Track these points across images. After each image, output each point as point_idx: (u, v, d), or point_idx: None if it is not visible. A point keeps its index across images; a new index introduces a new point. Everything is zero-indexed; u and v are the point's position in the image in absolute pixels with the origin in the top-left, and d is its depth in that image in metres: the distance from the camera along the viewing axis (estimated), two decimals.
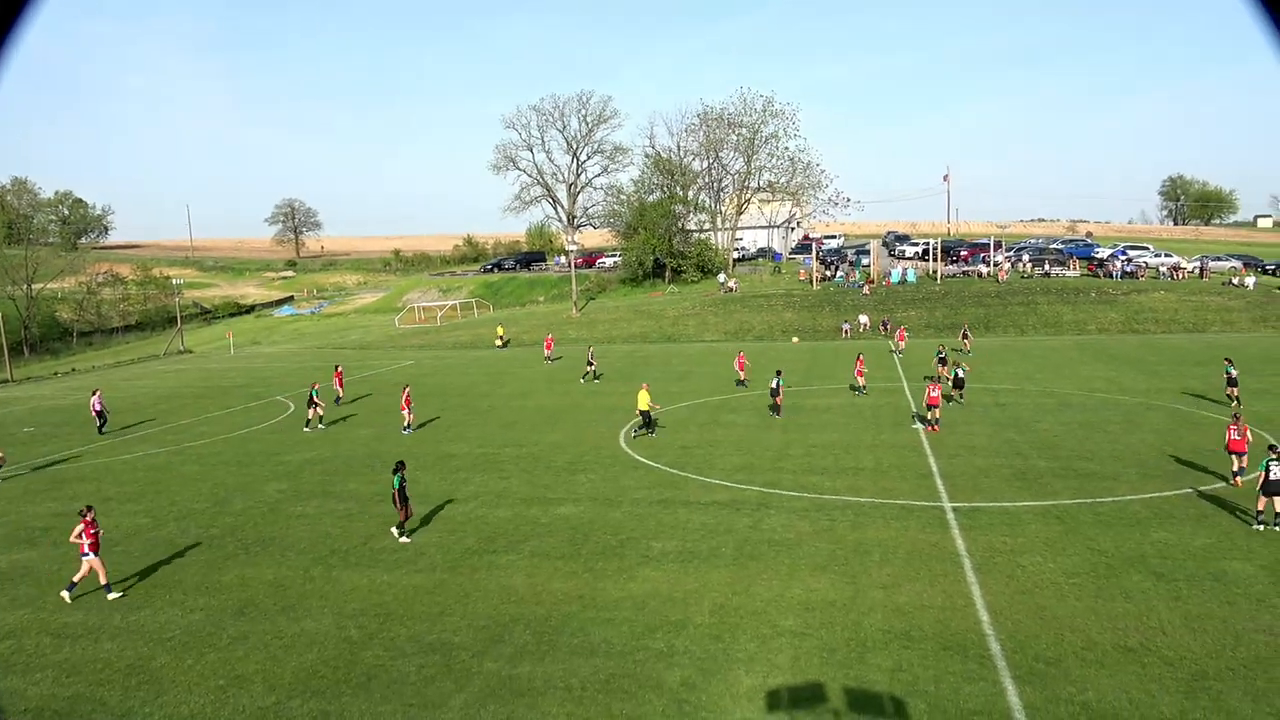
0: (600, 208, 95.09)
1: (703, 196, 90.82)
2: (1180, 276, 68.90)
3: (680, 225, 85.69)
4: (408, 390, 32.56)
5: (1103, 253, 78.87)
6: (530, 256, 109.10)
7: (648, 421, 29.06)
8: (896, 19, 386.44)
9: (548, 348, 52.86)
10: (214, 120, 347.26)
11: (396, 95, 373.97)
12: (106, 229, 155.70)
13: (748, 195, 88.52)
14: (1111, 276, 69.58)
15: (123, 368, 63.87)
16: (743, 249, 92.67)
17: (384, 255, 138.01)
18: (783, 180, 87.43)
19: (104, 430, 34.27)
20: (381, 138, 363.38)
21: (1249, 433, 20.69)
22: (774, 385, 31.43)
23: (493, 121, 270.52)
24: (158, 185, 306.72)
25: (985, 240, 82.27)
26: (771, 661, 12.52)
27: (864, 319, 59.92)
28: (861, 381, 35.32)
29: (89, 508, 16.86)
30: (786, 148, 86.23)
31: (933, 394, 27.99)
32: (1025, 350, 48.14)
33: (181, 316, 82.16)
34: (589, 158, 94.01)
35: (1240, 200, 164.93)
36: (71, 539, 16.31)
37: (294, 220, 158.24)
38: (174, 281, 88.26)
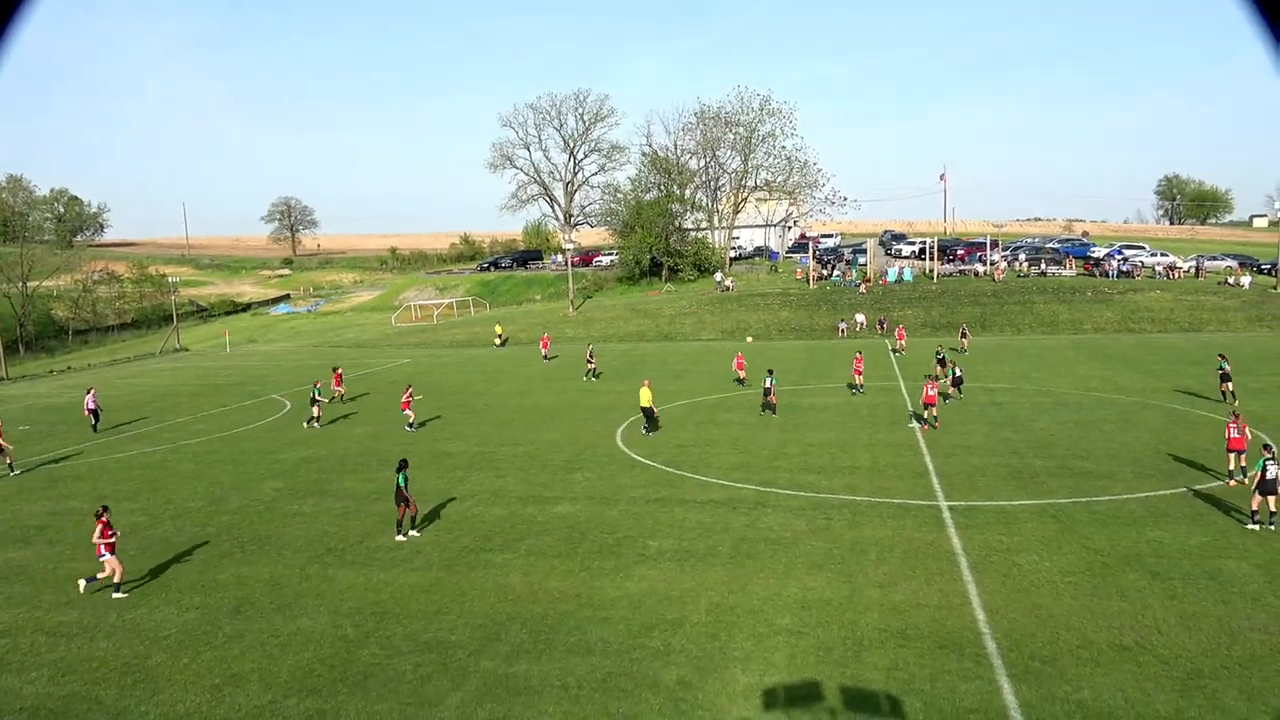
0: (597, 206, 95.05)
1: (699, 195, 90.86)
2: (1176, 276, 69.03)
3: (677, 224, 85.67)
4: (410, 389, 32.61)
5: (1099, 252, 78.99)
6: (527, 255, 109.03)
7: (650, 418, 29.04)
8: (893, 18, 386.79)
9: (544, 346, 52.86)
10: (210, 118, 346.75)
11: (393, 93, 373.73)
12: (102, 227, 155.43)
13: (744, 194, 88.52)
14: (1107, 276, 69.68)
15: (118, 366, 63.74)
16: (739, 248, 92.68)
17: (380, 253, 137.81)
18: (779, 179, 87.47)
19: (98, 428, 34.23)
20: (378, 136, 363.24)
21: (1247, 430, 20.74)
22: (766, 385, 31.56)
23: (489, 119, 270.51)
24: (153, 183, 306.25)
25: (982, 239, 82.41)
26: (768, 660, 12.52)
27: (860, 318, 59.96)
28: (859, 380, 35.35)
29: (105, 508, 16.85)
30: (783, 146, 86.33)
31: (930, 392, 28.04)
32: (1021, 349, 48.22)
33: (177, 314, 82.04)
34: (586, 156, 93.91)
35: (1236, 200, 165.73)
36: (94, 540, 16.23)
37: (290, 218, 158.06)
38: (170, 279, 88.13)
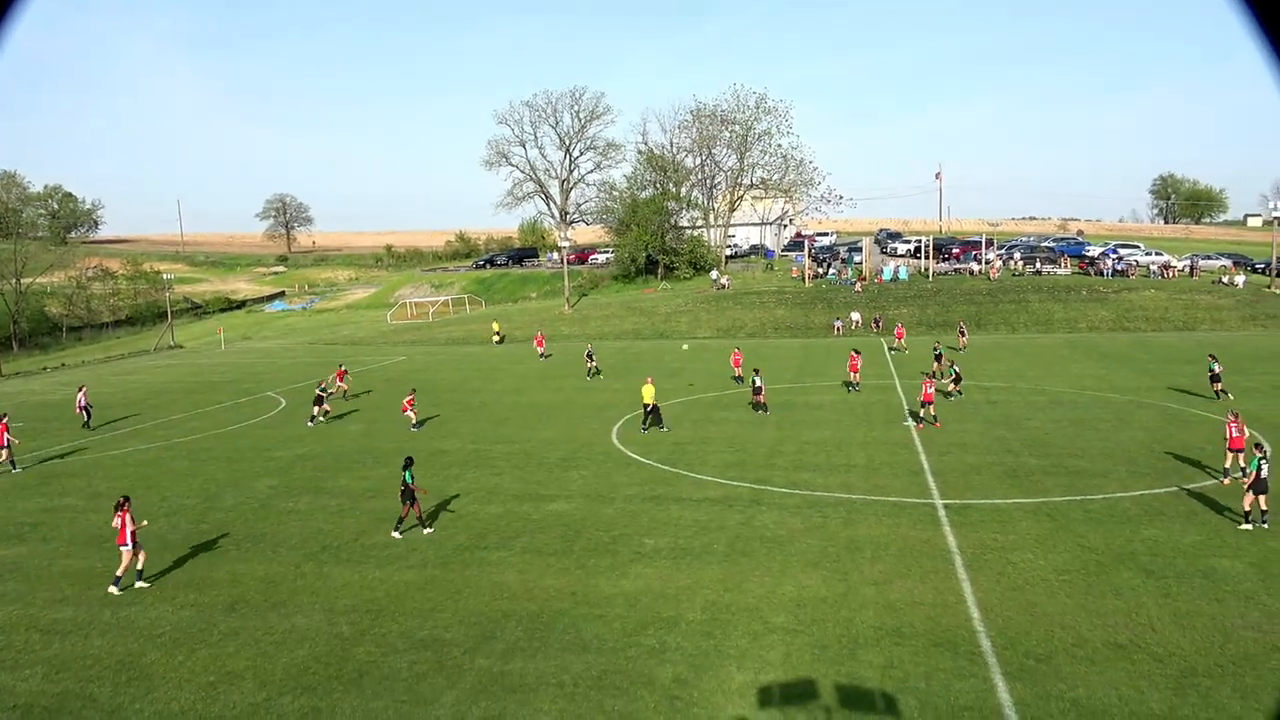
0: (593, 204, 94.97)
1: (695, 193, 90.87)
2: (1171, 275, 69.22)
3: (673, 222, 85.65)
4: (413, 394, 32.52)
5: (1094, 251, 79.19)
6: (523, 253, 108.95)
7: (651, 414, 29.04)
8: (889, 16, 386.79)
9: (539, 344, 52.81)
10: (205, 114, 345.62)
11: (389, 90, 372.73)
12: (96, 223, 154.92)
13: (740, 192, 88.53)
14: (1102, 275, 69.86)
15: (113, 363, 63.59)
16: (735, 246, 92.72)
17: (376, 251, 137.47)
18: (775, 177, 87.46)
19: (90, 425, 34.19)
20: (374, 133, 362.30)
21: (1245, 429, 20.79)
22: (756, 384, 31.70)
23: (485, 117, 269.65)
24: (148, 180, 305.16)
25: (977, 238, 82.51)
26: (763, 658, 12.54)
27: (856, 316, 60.02)
28: (855, 378, 35.38)
29: (126, 499, 16.83)
30: (779, 145, 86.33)
31: (928, 391, 28.10)
32: (1016, 348, 48.31)
33: (172, 312, 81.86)
34: (582, 154, 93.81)
35: (1230, 199, 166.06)
36: (117, 525, 16.30)
37: (285, 215, 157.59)
38: (164, 276, 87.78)
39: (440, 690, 12.01)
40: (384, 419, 33.86)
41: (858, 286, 69.16)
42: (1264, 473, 16.84)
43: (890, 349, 48.68)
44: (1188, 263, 71.93)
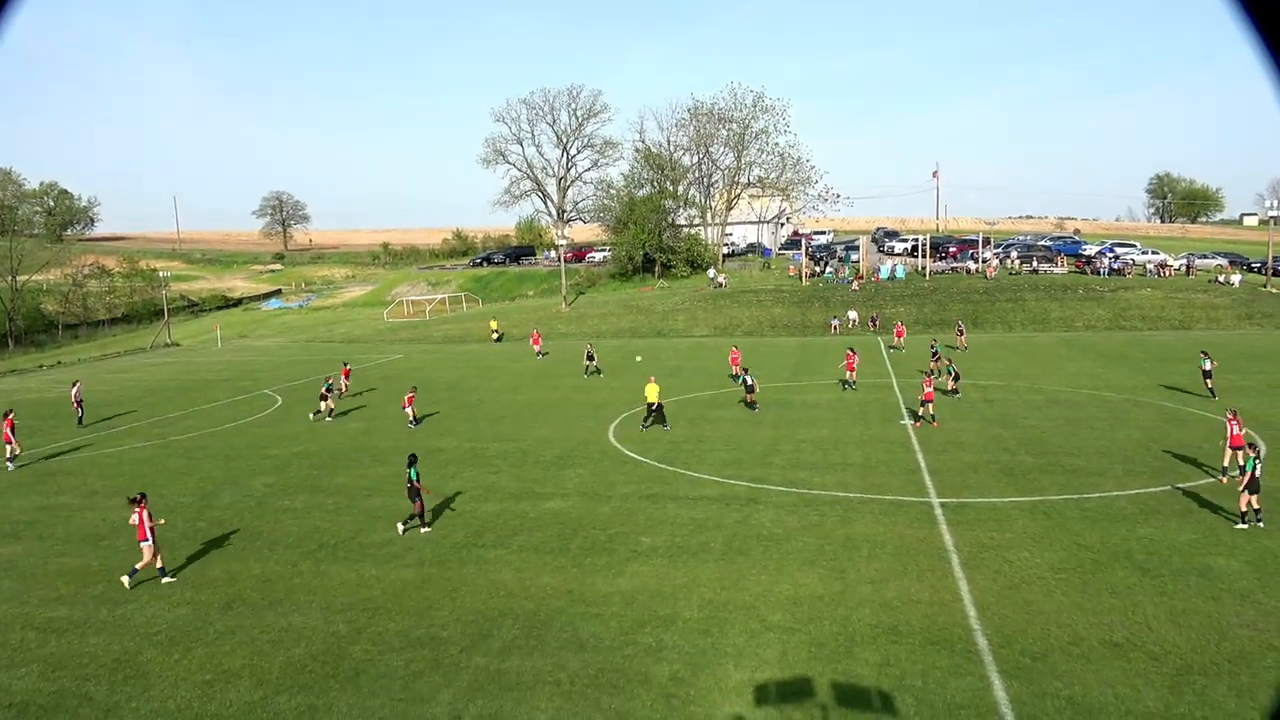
0: (590, 202, 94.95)
1: (693, 191, 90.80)
2: (1167, 274, 69.33)
3: (670, 220, 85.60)
4: (413, 391, 32.59)
5: (1090, 250, 79.25)
6: (520, 251, 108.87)
7: (654, 412, 29.02)
8: (886, 15, 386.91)
9: (535, 342, 52.79)
10: (202, 112, 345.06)
11: (385, 88, 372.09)
12: (92, 221, 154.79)
13: (737, 190, 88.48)
14: (1099, 273, 69.95)
15: (109, 360, 63.47)
16: (732, 244, 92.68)
17: (372, 249, 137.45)
18: (772, 176, 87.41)
19: (82, 422, 34.23)
20: (370, 131, 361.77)
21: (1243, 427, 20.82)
22: (747, 383, 31.93)
23: (482, 115, 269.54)
24: (144, 177, 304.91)
25: (974, 237, 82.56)
26: (760, 656, 12.55)
27: (853, 315, 60.06)
28: (852, 376, 35.41)
29: (142, 495, 16.89)
30: (776, 143, 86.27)
31: (929, 389, 28.16)
32: (1013, 346, 48.38)
33: (168, 309, 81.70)
34: (579, 152, 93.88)
35: (1226, 198, 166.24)
36: (134, 523, 16.37)
37: (282, 213, 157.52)
38: (160, 274, 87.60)
39: (437, 688, 12.01)
40: (382, 417, 33.83)
41: (855, 285, 69.20)
42: (1258, 472, 16.89)
43: (890, 347, 48.73)
44: (1184, 262, 72.04)
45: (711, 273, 79.08)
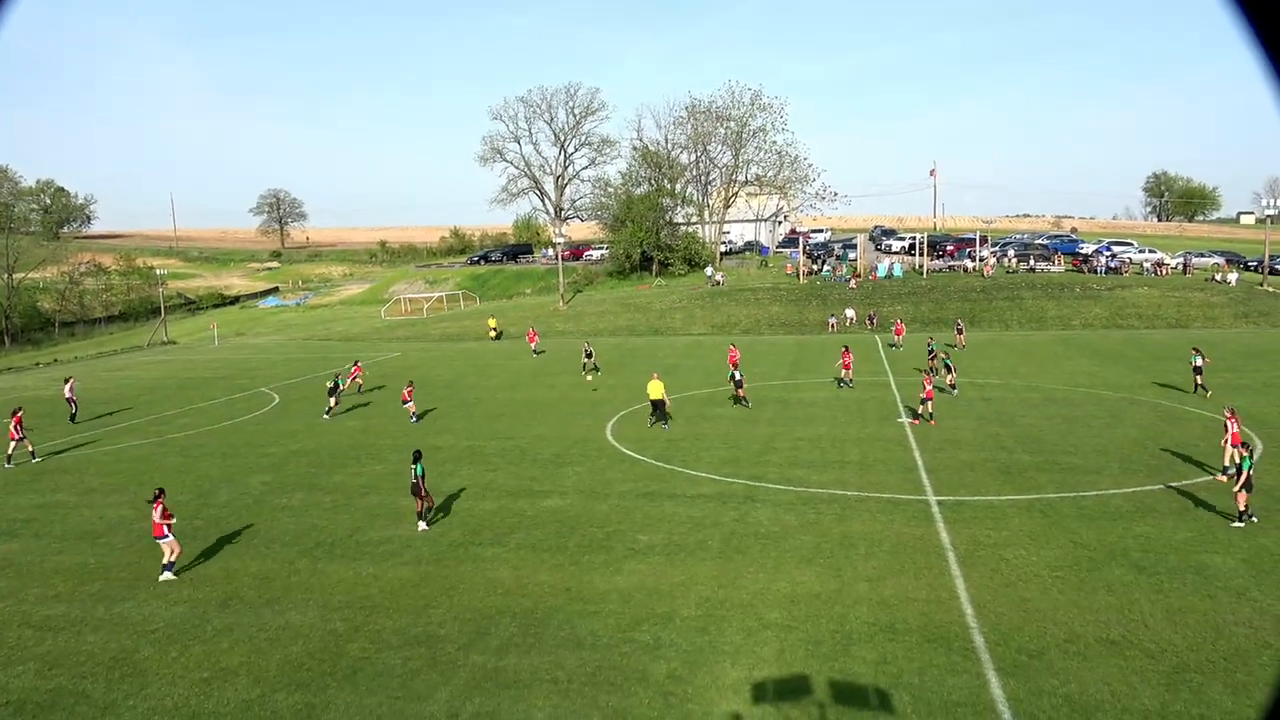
0: (588, 200, 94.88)
1: (690, 190, 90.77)
2: (1164, 272, 69.39)
3: (667, 218, 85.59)
4: (410, 386, 32.87)
5: (1087, 248, 79.31)
6: (517, 249, 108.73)
7: (656, 410, 29.03)
8: (884, 13, 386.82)
9: (532, 340, 52.78)
10: (198, 109, 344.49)
11: (383, 86, 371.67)
12: (89, 218, 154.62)
13: (735, 189, 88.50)
14: (1096, 272, 70.02)
15: (105, 358, 63.39)
16: (730, 243, 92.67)
17: (370, 247, 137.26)
18: (770, 174, 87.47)
19: (75, 420, 34.26)
20: (368, 128, 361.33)
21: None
22: (737, 379, 32.21)
23: (480, 113, 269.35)
24: (141, 175, 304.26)
25: (971, 235, 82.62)
26: (757, 654, 12.56)
27: (850, 313, 60.10)
28: (847, 375, 35.44)
29: (161, 490, 17.05)
30: (774, 141, 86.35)
31: (929, 387, 28.23)
32: (1010, 345, 48.42)
33: (165, 307, 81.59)
34: (576, 150, 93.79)
35: (1223, 197, 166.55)
36: (155, 519, 16.46)
37: (279, 211, 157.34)
38: (157, 272, 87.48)
39: (434, 686, 12.01)
40: (380, 414, 33.82)
41: (852, 283, 69.23)
42: (1252, 471, 16.94)
43: (890, 345, 48.78)
44: (1181, 260, 72.11)
45: (709, 271, 79.08)
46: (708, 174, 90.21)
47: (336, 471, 24.95)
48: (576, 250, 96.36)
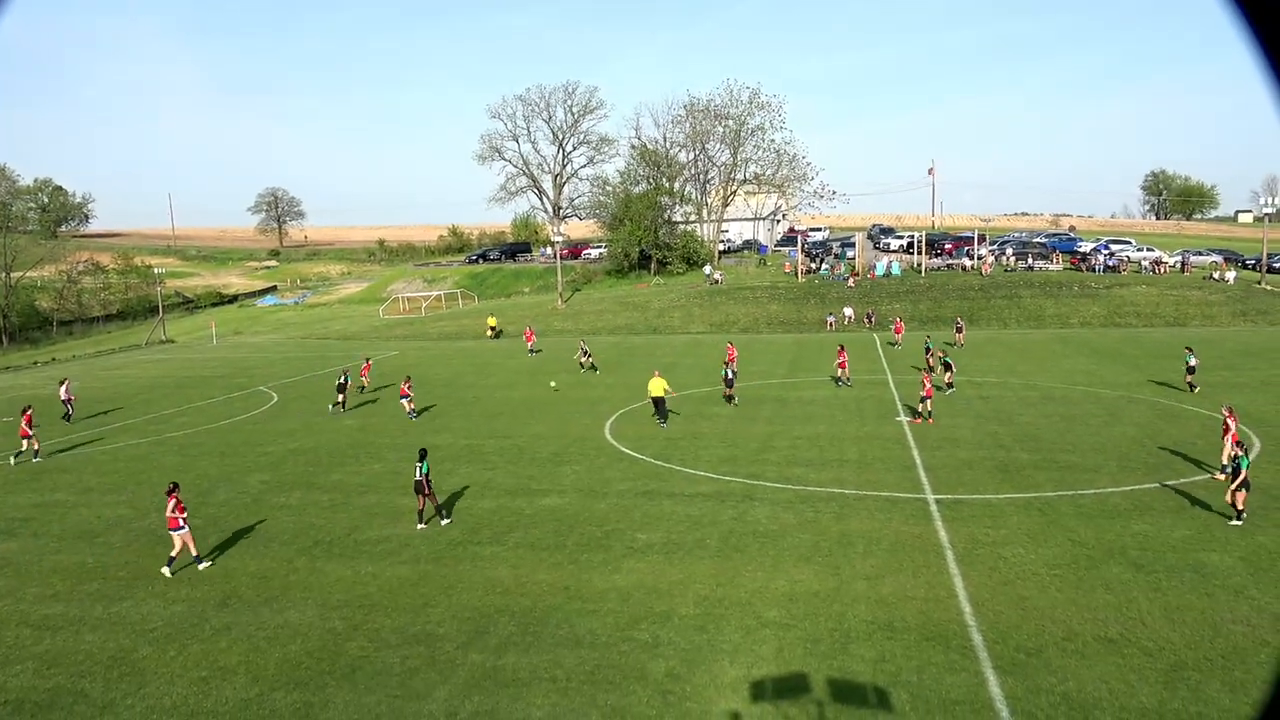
0: (586, 199, 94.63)
1: (689, 188, 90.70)
2: (1162, 271, 69.40)
3: (666, 217, 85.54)
4: (408, 380, 33.08)
5: (1085, 247, 79.31)
6: (515, 247, 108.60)
7: (659, 408, 29.00)
8: (882, 12, 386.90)
9: (529, 339, 52.76)
10: (196, 108, 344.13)
11: (381, 84, 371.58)
12: (87, 217, 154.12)
13: (733, 187, 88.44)
14: (1094, 270, 70.02)
15: (104, 357, 63.32)
16: (728, 241, 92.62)
17: (368, 245, 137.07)
18: (768, 172, 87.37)
19: (69, 419, 34.28)
20: (366, 127, 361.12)
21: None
22: (727, 376, 32.36)
23: (478, 111, 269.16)
24: (139, 173, 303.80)
25: (969, 234, 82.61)
26: (756, 652, 12.57)
27: (848, 312, 60.11)
28: (843, 374, 35.43)
29: (175, 485, 17.14)
30: (772, 140, 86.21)
31: (929, 386, 28.27)
32: (1008, 343, 48.44)
33: (163, 306, 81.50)
34: (575, 149, 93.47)
35: (1221, 195, 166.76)
36: (168, 514, 16.57)
37: (277, 209, 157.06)
38: (155, 270, 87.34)
39: (433, 685, 12.01)
40: (378, 413, 33.82)
41: (850, 282, 69.24)
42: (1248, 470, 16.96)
43: (890, 344, 48.79)
44: (1179, 259, 72.12)
45: (707, 269, 79.07)
46: (706, 172, 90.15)
47: (335, 470, 24.93)
48: (575, 249, 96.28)
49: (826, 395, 33.93)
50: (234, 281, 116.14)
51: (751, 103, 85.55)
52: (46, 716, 11.65)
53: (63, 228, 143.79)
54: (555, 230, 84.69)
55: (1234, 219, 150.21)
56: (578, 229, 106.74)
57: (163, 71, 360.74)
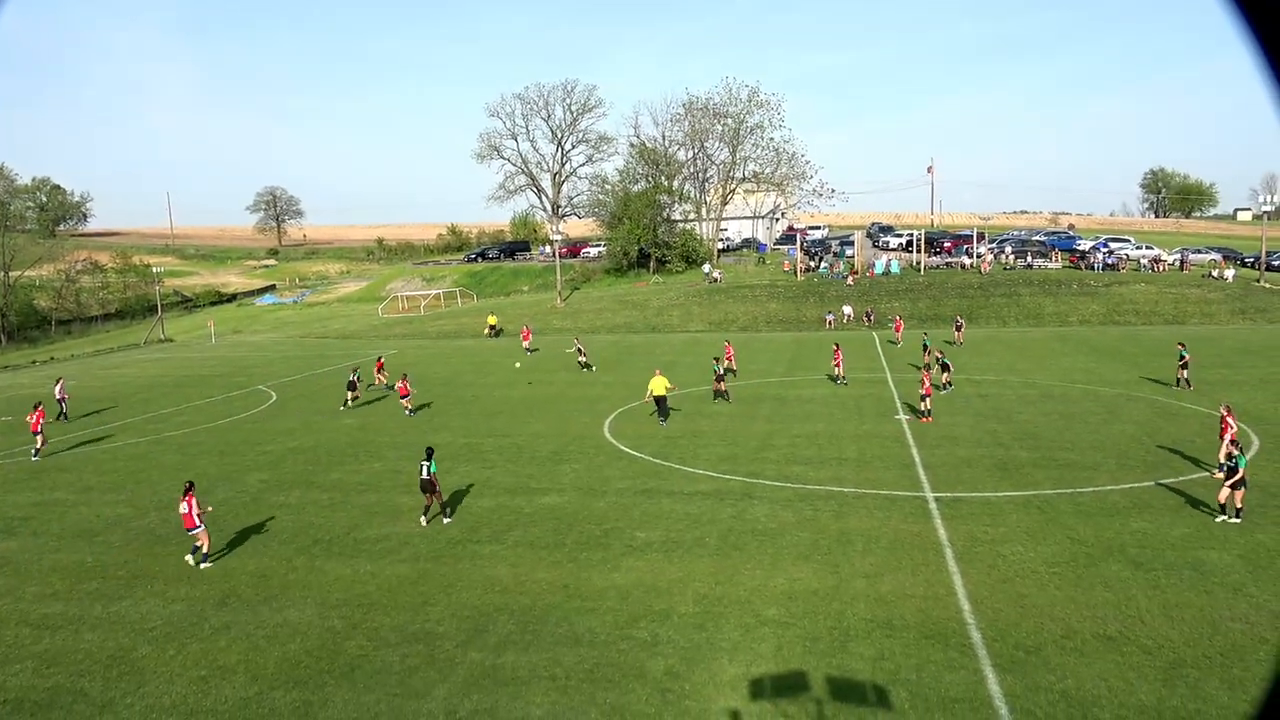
0: (585, 197, 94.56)
1: (688, 187, 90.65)
2: (1161, 269, 69.41)
3: (665, 215, 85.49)
4: (405, 377, 33.32)
5: (1084, 245, 79.30)
6: (514, 246, 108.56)
7: (660, 406, 28.99)
8: (882, 10, 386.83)
9: (525, 338, 52.74)
10: (195, 106, 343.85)
11: (380, 82, 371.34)
12: (85, 216, 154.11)
13: (732, 185, 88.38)
14: (1093, 269, 69.99)
15: (103, 356, 63.28)
16: (727, 240, 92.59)
17: (367, 244, 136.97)
18: (767, 171, 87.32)
19: (65, 418, 34.31)
20: (365, 125, 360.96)
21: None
22: (718, 373, 32.59)
23: (477, 110, 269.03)
24: (138, 172, 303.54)
25: (968, 232, 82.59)
26: (755, 650, 12.57)
27: (848, 310, 60.12)
28: (839, 372, 35.39)
29: (191, 484, 17.44)
30: (771, 138, 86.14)
31: (928, 384, 28.28)
32: (1007, 341, 48.46)
33: (162, 305, 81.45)
34: (574, 147, 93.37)
35: (1220, 193, 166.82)
36: (184, 512, 16.79)
37: (276, 208, 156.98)
38: (154, 269, 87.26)
39: (432, 683, 12.02)
40: (377, 412, 33.82)
41: (849, 280, 69.23)
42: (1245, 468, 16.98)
43: (889, 342, 48.80)
44: (1178, 257, 72.12)
45: (706, 268, 79.05)
46: (705, 171, 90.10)
47: (334, 469, 24.93)
48: (574, 248, 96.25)
49: (825, 393, 33.94)
50: (233, 280, 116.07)
51: (750, 101, 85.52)
52: (46, 715, 11.65)
53: (61, 227, 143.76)
54: (554, 229, 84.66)
55: (1233, 217, 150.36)
56: (577, 227, 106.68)
57: (161, 70, 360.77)
